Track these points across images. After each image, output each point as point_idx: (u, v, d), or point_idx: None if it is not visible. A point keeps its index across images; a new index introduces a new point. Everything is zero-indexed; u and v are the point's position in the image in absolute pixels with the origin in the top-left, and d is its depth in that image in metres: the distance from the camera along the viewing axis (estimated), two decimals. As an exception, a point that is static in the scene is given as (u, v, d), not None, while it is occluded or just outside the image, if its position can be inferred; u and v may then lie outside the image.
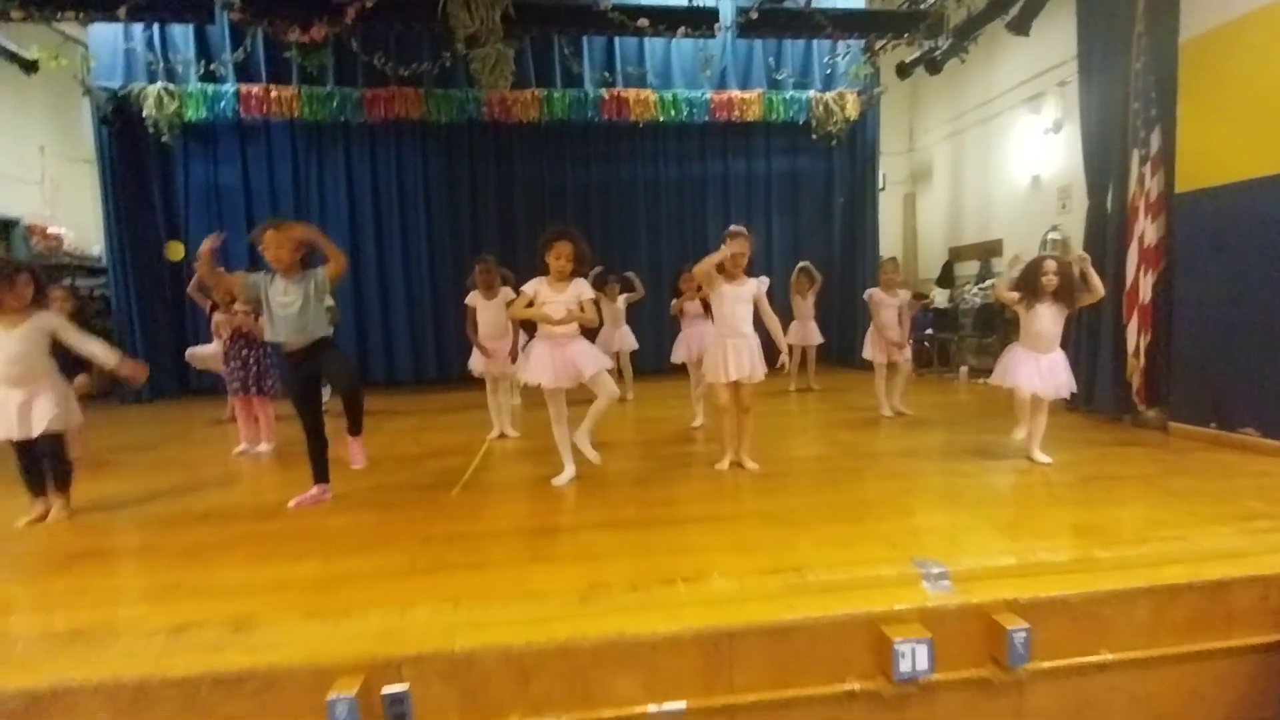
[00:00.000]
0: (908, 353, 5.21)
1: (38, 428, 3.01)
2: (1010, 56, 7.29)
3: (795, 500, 3.15)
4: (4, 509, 3.20)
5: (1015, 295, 3.65)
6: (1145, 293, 4.51)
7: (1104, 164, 4.87)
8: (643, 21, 5.26)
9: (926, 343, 8.02)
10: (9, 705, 1.81)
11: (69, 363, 3.41)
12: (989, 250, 8.06)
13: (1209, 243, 4.08)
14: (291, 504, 3.23)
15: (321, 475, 3.33)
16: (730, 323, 3.62)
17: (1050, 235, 6.94)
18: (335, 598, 2.16)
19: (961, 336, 7.79)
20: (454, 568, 2.42)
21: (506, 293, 4.44)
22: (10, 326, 2.98)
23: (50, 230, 7.30)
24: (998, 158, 7.89)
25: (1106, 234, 4.81)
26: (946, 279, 8.73)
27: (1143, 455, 3.86)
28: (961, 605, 2.12)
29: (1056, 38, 6.05)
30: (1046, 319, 3.56)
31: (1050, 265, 3.54)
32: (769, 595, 2.14)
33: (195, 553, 2.67)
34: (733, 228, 3.62)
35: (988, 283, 7.57)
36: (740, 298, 3.62)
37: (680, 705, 1.98)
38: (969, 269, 8.44)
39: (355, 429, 3.41)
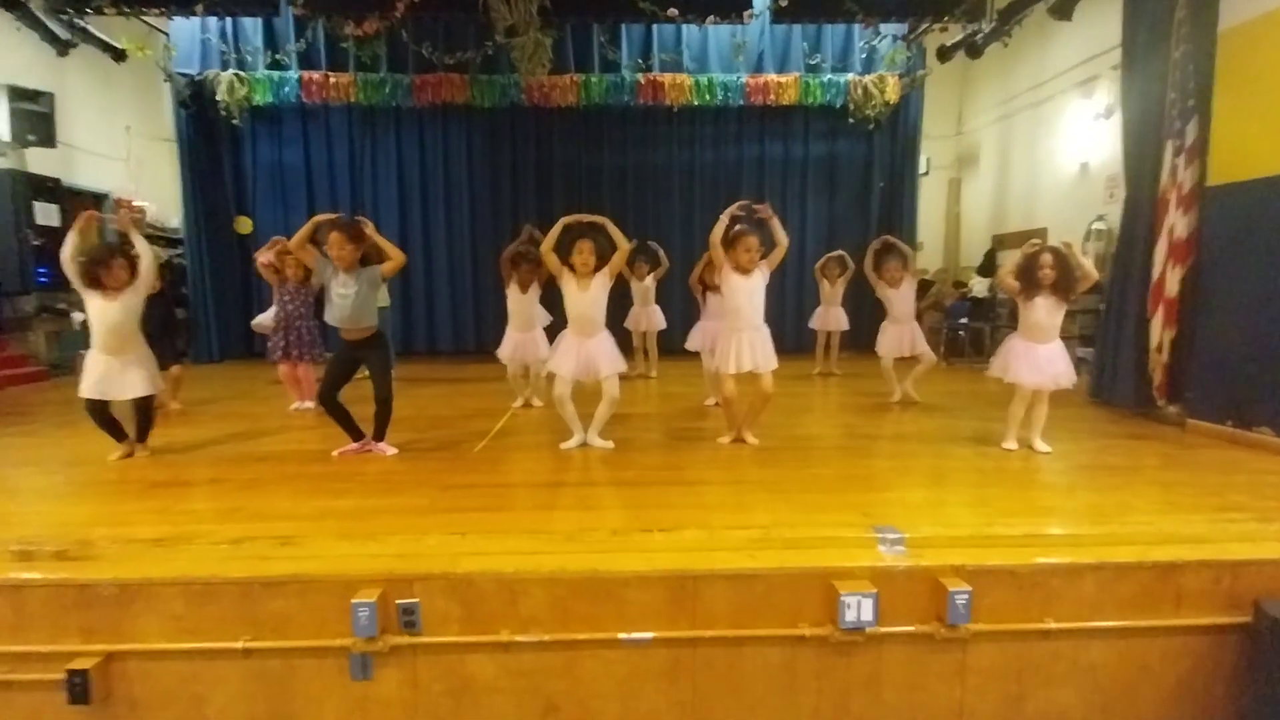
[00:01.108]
0: (919, 347, 5.13)
1: (131, 393, 3.51)
2: (1064, 39, 7.06)
3: (784, 472, 3.37)
4: (97, 447, 3.73)
5: (1016, 285, 3.71)
6: (1172, 287, 4.45)
7: (1142, 154, 4.78)
8: (672, 11, 5.41)
9: (961, 332, 7.97)
10: (105, 592, 2.27)
11: (161, 330, 3.97)
12: (1033, 239, 7.89)
13: (1238, 238, 4.01)
14: (336, 453, 3.68)
15: (355, 434, 3.73)
16: (744, 314, 3.72)
17: (1095, 225, 6.78)
18: (364, 526, 2.55)
19: (997, 326, 7.70)
20: (466, 510, 2.78)
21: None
22: (111, 299, 3.43)
23: (135, 203, 8.05)
24: (1046, 143, 7.67)
25: (1139, 226, 4.75)
26: (988, 267, 8.58)
27: (1148, 449, 3.89)
28: (910, 567, 2.33)
29: (1111, 20, 5.84)
30: (1043, 310, 3.62)
31: (1047, 258, 3.59)
32: (734, 547, 2.40)
33: (254, 486, 3.13)
34: (739, 227, 3.67)
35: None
36: (754, 289, 3.70)
37: (648, 635, 2.28)
38: (1012, 258, 8.27)
39: (380, 435, 3.72)
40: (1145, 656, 2.42)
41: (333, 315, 3.54)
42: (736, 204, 3.70)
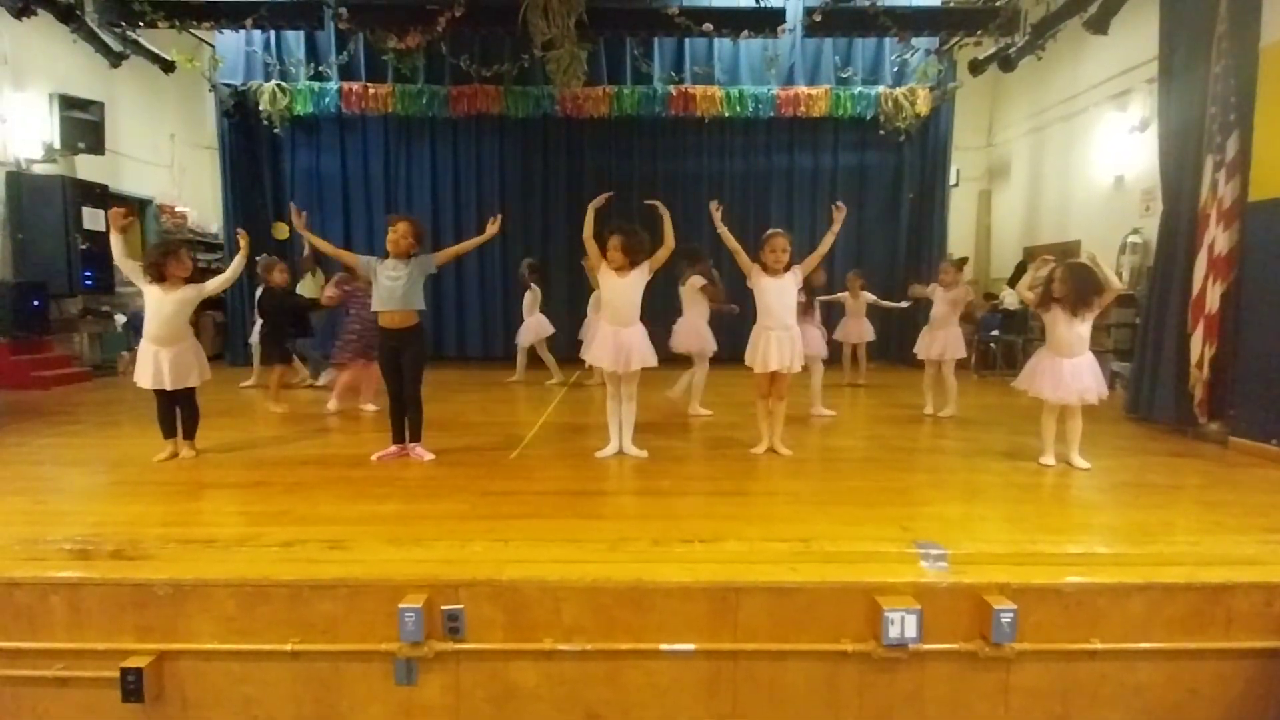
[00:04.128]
0: (951, 352, 5.16)
1: (180, 382, 3.64)
2: (1097, 51, 6.99)
3: (819, 484, 3.37)
4: (142, 448, 3.86)
5: (1032, 297, 3.73)
6: (1213, 303, 4.38)
7: (1180, 168, 4.72)
8: (707, 25, 5.46)
9: (992, 344, 7.88)
10: (160, 591, 2.34)
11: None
12: (1066, 252, 7.78)
13: (1280, 254, 3.95)
14: (374, 457, 3.75)
15: (399, 437, 3.82)
16: (774, 314, 3.80)
17: (1130, 238, 6.70)
18: (409, 531, 2.60)
19: (1029, 340, 7.60)
20: (507, 516, 2.82)
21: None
22: (168, 292, 3.60)
23: (177, 209, 8.30)
24: (1080, 156, 7.58)
25: (1178, 241, 4.69)
26: (1019, 280, 8.48)
27: (1190, 467, 3.82)
28: (954, 584, 2.32)
29: (1146, 33, 5.79)
30: (1063, 323, 3.59)
31: (1057, 272, 3.60)
32: (775, 559, 2.41)
33: (298, 489, 3.20)
34: (769, 230, 3.83)
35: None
36: (783, 290, 3.79)
37: (689, 647, 2.29)
38: (1033, 272, 8.16)
39: (416, 436, 3.82)
40: (1194, 679, 2.38)
41: (380, 300, 3.65)
42: (714, 209, 3.91)
